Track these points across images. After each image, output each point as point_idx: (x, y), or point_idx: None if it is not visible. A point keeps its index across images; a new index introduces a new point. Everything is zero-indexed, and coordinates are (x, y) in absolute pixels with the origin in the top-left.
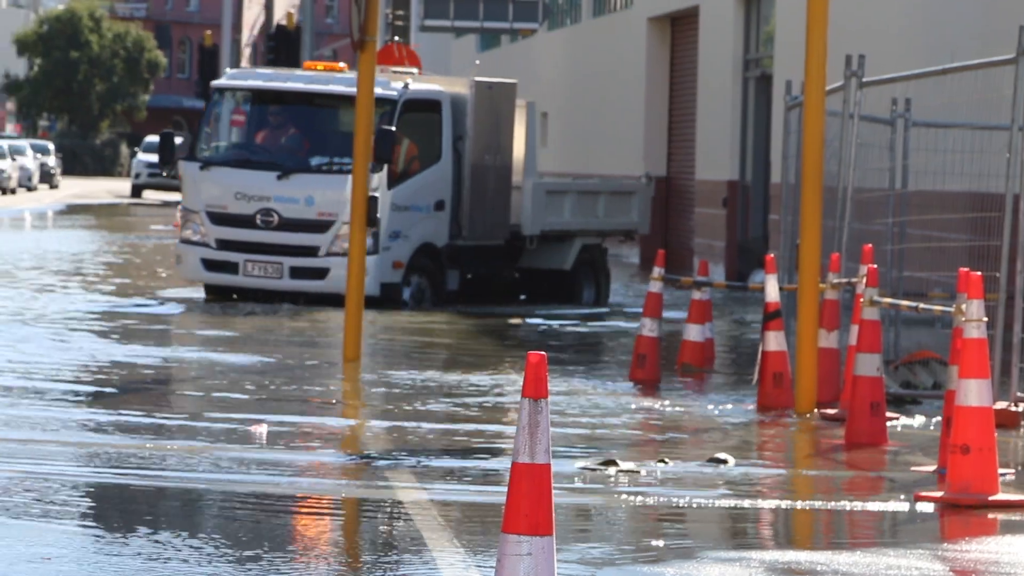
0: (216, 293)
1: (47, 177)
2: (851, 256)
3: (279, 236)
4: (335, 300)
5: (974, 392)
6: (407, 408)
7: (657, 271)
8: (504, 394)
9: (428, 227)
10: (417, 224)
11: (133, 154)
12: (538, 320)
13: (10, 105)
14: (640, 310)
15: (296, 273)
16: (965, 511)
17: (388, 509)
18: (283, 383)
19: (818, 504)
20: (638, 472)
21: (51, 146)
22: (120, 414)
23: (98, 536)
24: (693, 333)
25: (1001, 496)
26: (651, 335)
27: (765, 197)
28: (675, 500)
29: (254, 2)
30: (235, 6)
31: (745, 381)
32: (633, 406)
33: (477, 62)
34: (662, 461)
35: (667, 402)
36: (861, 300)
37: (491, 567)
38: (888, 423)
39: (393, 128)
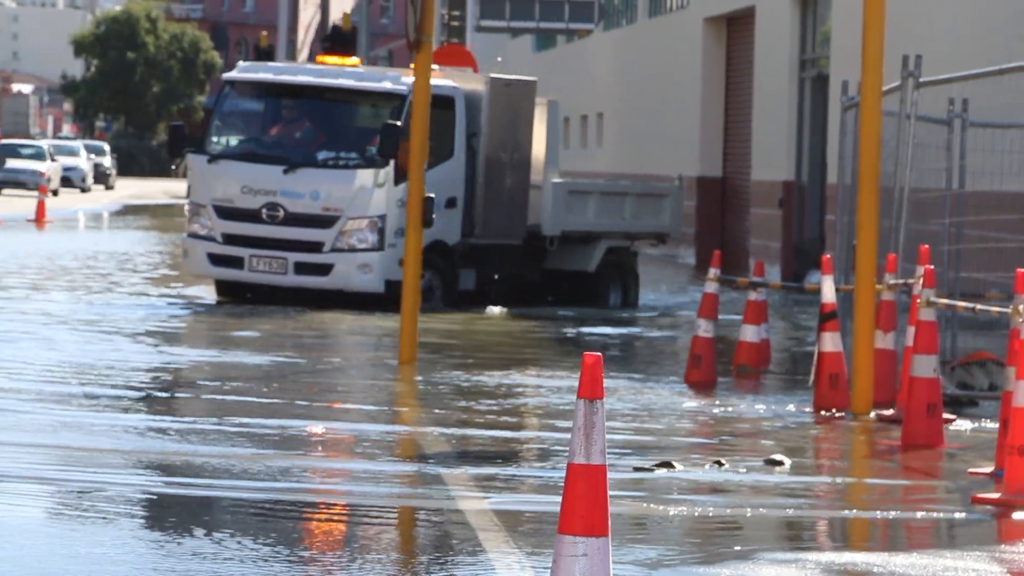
0: (226, 290)
1: (102, 178)
2: (908, 257)
3: (284, 231)
4: (339, 297)
5: None
6: (462, 409)
7: (713, 272)
8: (558, 395)
9: (439, 225)
10: None
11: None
12: (579, 324)
13: (67, 106)
14: (683, 312)
15: (300, 269)
16: (1022, 513)
17: (443, 511)
18: (338, 386)
19: (874, 506)
20: (694, 473)
21: (106, 147)
22: (174, 420)
23: (154, 538)
24: (749, 334)
25: None
26: (706, 336)
27: (821, 197)
28: (730, 501)
29: (310, 3)
30: (291, 7)
31: (801, 382)
32: (688, 407)
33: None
34: (718, 462)
35: (723, 403)
36: (918, 301)
37: (546, 568)
38: (944, 425)
39: (398, 123)
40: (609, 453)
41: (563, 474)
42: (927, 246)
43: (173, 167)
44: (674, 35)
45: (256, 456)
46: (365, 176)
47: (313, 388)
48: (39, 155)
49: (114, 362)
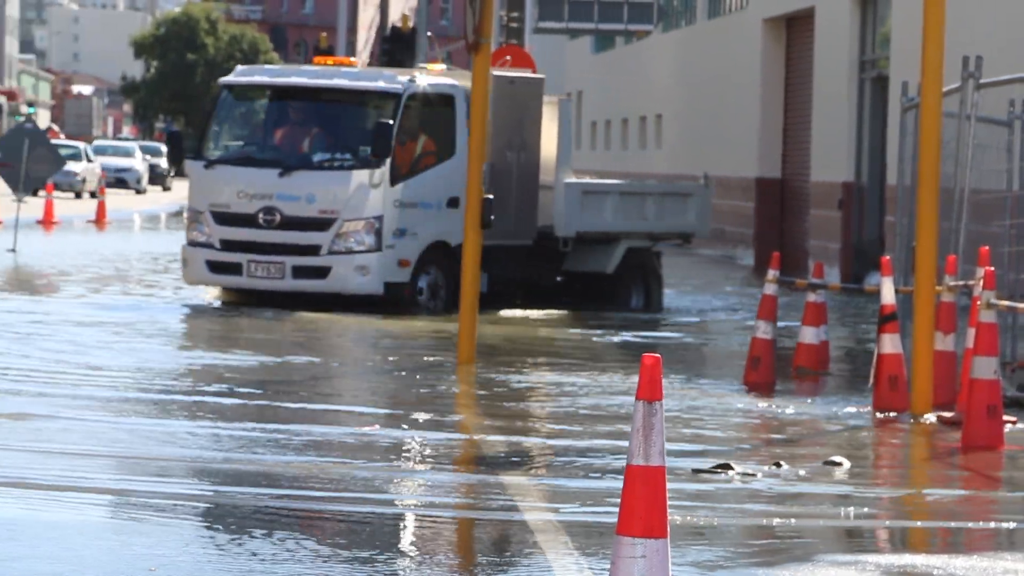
0: (228, 292)
1: (158, 179)
2: (968, 258)
3: (281, 235)
4: (336, 300)
5: None
6: (521, 410)
7: (772, 273)
8: (615, 396)
9: (440, 225)
10: (427, 221)
11: None
12: (618, 326)
13: (127, 107)
14: (717, 315)
15: (298, 273)
16: None
17: (501, 512)
18: (399, 387)
19: (934, 508)
20: (753, 475)
21: (163, 148)
22: (234, 426)
23: (212, 538)
24: (808, 336)
25: None
26: (765, 337)
27: (881, 199)
28: (789, 503)
29: (369, 4)
30: (350, 8)
31: (860, 384)
32: (747, 409)
33: (508, 58)
34: (777, 464)
35: (782, 405)
36: (978, 303)
37: (605, 570)
38: (1005, 426)
39: (391, 122)
40: (668, 454)
41: (621, 476)
42: (987, 247)
43: (172, 174)
44: (733, 36)
45: (325, 465)
46: (360, 177)
47: (369, 393)
48: (75, 156)
49: (162, 365)
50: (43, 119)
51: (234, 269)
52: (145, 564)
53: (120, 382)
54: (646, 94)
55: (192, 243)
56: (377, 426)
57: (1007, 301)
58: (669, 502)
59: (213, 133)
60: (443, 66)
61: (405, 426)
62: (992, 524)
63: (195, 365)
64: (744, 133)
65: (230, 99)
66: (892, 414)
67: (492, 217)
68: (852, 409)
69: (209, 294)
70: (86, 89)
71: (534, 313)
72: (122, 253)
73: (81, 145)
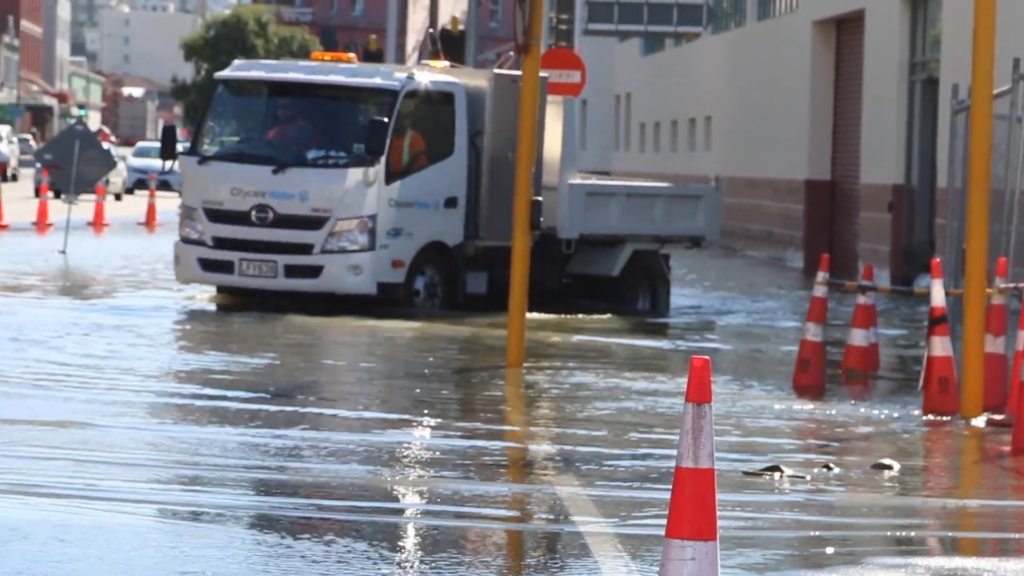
0: (221, 289)
1: None
2: (1019, 260)
3: (273, 233)
4: (329, 300)
5: None
6: (570, 412)
7: (821, 276)
8: (664, 398)
9: (437, 225)
10: (423, 222)
11: None
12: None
13: (177, 110)
14: (730, 320)
15: (290, 272)
16: None
17: (551, 513)
18: (448, 389)
19: (985, 510)
20: (803, 477)
21: None
22: (282, 433)
23: (260, 543)
24: (858, 338)
25: None
26: (815, 340)
27: (931, 201)
28: (840, 506)
29: (419, 6)
30: (400, 10)
31: (910, 386)
32: (797, 411)
33: (511, 54)
34: (827, 467)
35: (831, 407)
36: None
37: (654, 572)
38: None
39: (386, 120)
40: (717, 457)
41: (671, 478)
42: None
43: (165, 169)
44: (783, 38)
45: (373, 475)
46: (354, 175)
47: (416, 398)
48: None
49: (196, 368)
50: (94, 121)
51: (226, 267)
52: (194, 567)
53: (158, 387)
54: (695, 96)
55: (185, 240)
56: (423, 428)
57: None
58: (718, 505)
59: (208, 129)
60: (445, 63)
61: (458, 432)
62: None
63: (238, 369)
64: (794, 135)
65: (226, 94)
66: (942, 417)
67: (541, 219)
68: (902, 412)
69: (204, 295)
70: (136, 91)
71: (545, 316)
72: (165, 256)
73: (105, 145)
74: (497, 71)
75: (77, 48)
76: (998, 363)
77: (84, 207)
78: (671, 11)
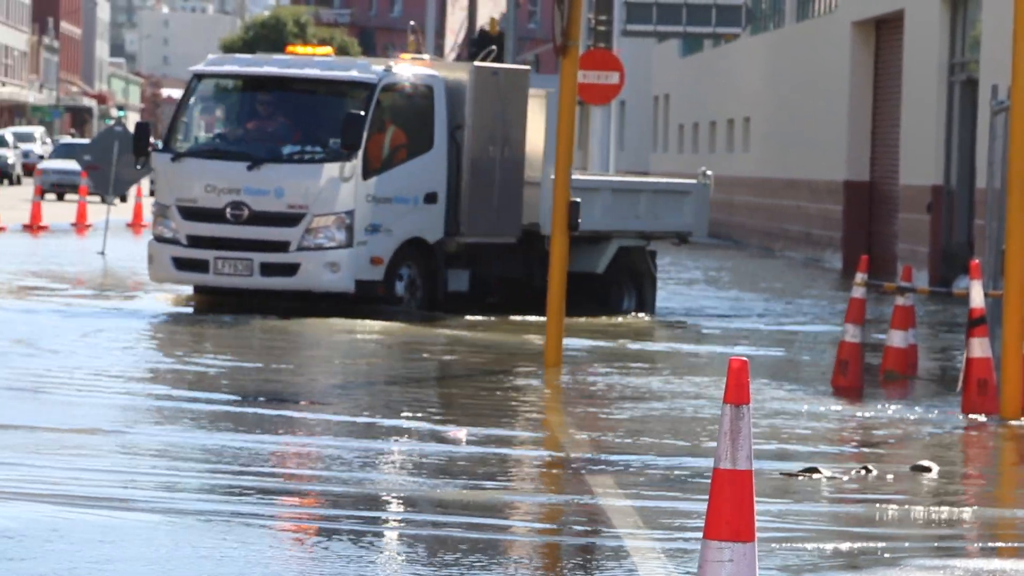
0: (203, 295)
1: None
2: None
3: (249, 231)
4: (307, 298)
5: None
6: (607, 413)
7: (860, 277)
8: (702, 399)
9: (417, 221)
10: (402, 218)
11: None
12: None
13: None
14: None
15: (266, 270)
16: None
17: (588, 514)
18: (485, 390)
19: (1023, 512)
20: (841, 479)
21: None
22: (326, 442)
23: (298, 540)
24: (896, 339)
25: None
26: (854, 341)
27: (970, 202)
28: (878, 507)
29: (457, 7)
30: (438, 11)
31: (949, 388)
32: (835, 412)
33: (493, 47)
34: (865, 468)
35: (870, 409)
36: None
37: (692, 573)
38: None
39: (363, 113)
40: (755, 458)
41: (709, 479)
42: None
43: (139, 167)
44: (822, 39)
45: (404, 458)
46: (331, 170)
47: (464, 389)
48: None
49: (221, 375)
50: (133, 122)
51: (201, 266)
52: (235, 568)
53: (185, 393)
54: (734, 97)
55: (159, 239)
56: (463, 433)
57: None
58: (756, 506)
59: (182, 124)
60: (425, 56)
61: (487, 424)
62: None
63: (272, 377)
64: (832, 136)
65: (200, 89)
66: (981, 418)
67: (580, 220)
68: (940, 413)
69: (175, 298)
70: (175, 93)
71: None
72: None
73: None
74: (477, 64)
75: (116, 49)
76: None
77: (123, 208)
78: (710, 12)
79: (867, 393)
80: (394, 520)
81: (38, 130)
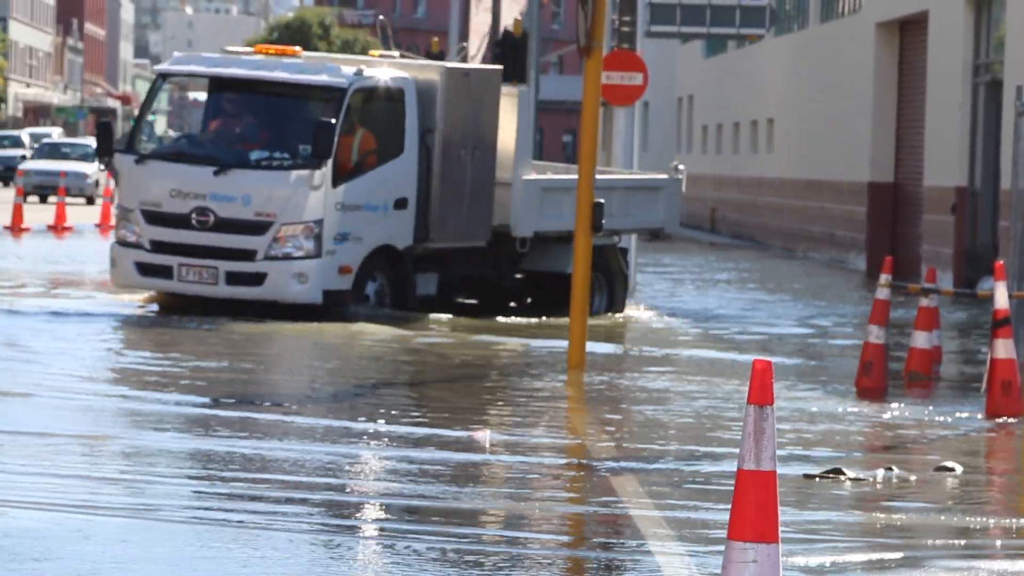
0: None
1: None
2: None
3: (214, 238)
4: (273, 309)
5: None
6: (631, 413)
7: (884, 278)
8: (726, 400)
9: (386, 228)
10: (372, 225)
11: None
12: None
13: None
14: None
15: (232, 279)
16: None
17: (612, 514)
18: (510, 391)
19: None
20: (865, 480)
21: None
22: (359, 421)
23: (328, 540)
24: (920, 340)
25: None
26: (878, 342)
27: (994, 203)
28: (902, 508)
29: (481, 8)
30: (462, 13)
31: (973, 389)
32: (859, 413)
33: (464, 44)
34: (889, 469)
35: (893, 410)
36: None
37: (716, 574)
38: None
39: (333, 120)
40: (779, 459)
41: (732, 480)
42: None
43: (101, 168)
44: (846, 40)
45: (429, 458)
46: (300, 178)
47: (487, 391)
48: (87, 156)
49: (233, 379)
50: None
51: (164, 272)
52: (256, 569)
53: (186, 398)
54: (758, 98)
55: (121, 243)
56: (487, 433)
57: None
58: (780, 507)
59: (146, 125)
60: (394, 54)
61: (511, 424)
62: None
63: (292, 383)
64: (857, 137)
65: (165, 89)
66: (1005, 419)
67: (603, 221)
68: (965, 414)
69: (140, 298)
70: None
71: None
72: None
73: (94, 144)
74: (448, 65)
75: (140, 50)
76: None
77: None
78: (734, 13)
79: (891, 394)
80: (428, 531)
81: (55, 131)
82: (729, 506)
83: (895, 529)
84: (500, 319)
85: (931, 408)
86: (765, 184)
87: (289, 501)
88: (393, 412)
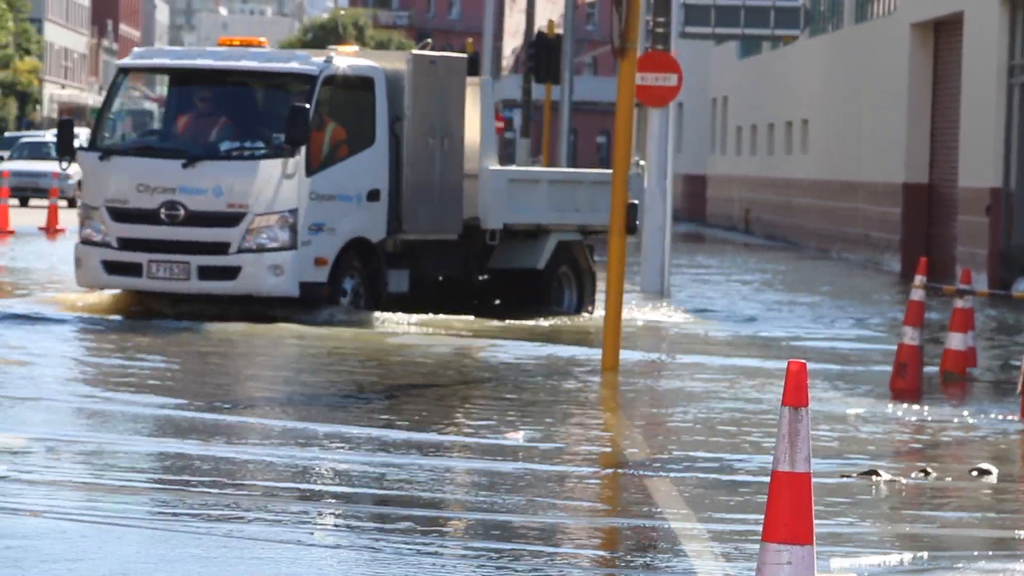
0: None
1: None
2: None
3: (185, 232)
4: (247, 303)
5: None
6: (664, 415)
7: (919, 279)
8: (760, 402)
9: (360, 219)
10: (346, 216)
11: None
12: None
13: None
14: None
15: (205, 274)
16: None
17: (645, 515)
18: (544, 392)
19: None
20: (900, 482)
21: None
22: (389, 420)
23: (357, 541)
24: (955, 342)
25: None
26: (912, 344)
27: None
28: (937, 511)
29: (515, 9)
30: (496, 14)
31: (1008, 391)
32: (894, 415)
33: (428, 40)
34: (924, 471)
35: (928, 411)
36: None
37: (751, 575)
38: None
39: (307, 106)
40: (813, 461)
41: (767, 481)
42: None
43: (63, 168)
44: (880, 40)
45: (462, 455)
46: (272, 167)
47: (520, 392)
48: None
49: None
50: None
51: (133, 270)
52: (293, 570)
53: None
54: (792, 99)
55: (86, 242)
56: (520, 432)
57: None
58: (815, 508)
59: (109, 121)
60: (355, 47)
61: (543, 425)
62: None
63: (326, 385)
64: (891, 138)
65: (128, 84)
66: None
67: (637, 223)
68: (1000, 416)
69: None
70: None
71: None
72: None
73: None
74: (415, 52)
75: None
76: None
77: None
78: (768, 14)
79: (925, 396)
80: (458, 531)
81: (82, 132)
82: (763, 508)
83: (931, 530)
84: (495, 322)
85: (966, 409)
86: (799, 185)
87: (338, 509)
88: (415, 419)
